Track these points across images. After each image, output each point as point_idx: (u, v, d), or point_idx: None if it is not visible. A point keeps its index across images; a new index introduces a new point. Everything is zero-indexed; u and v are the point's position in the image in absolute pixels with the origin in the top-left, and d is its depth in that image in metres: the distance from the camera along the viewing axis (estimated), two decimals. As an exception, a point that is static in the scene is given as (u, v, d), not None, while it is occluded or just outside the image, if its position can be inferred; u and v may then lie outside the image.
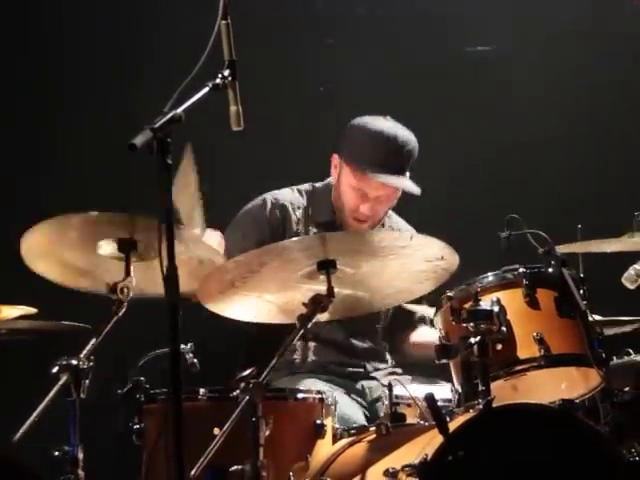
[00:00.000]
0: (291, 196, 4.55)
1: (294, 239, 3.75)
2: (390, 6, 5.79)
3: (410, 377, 4.26)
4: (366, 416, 4.22)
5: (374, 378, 4.41)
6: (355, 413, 4.14)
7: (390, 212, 4.61)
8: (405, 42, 5.73)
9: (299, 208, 4.53)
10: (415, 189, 4.40)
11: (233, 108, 3.03)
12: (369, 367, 4.47)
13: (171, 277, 2.83)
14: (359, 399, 4.31)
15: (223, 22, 3.00)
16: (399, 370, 4.46)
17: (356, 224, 4.45)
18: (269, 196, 4.54)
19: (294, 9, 5.67)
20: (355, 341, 4.47)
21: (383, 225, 4.58)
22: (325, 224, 4.51)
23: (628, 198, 5.19)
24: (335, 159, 4.50)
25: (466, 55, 5.85)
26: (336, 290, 3.40)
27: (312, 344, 4.39)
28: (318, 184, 4.63)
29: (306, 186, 4.63)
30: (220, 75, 2.98)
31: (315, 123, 5.57)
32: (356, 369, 4.42)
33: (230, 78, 3.00)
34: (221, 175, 5.37)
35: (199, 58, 2.95)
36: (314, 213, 4.53)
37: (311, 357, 4.38)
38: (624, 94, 5.72)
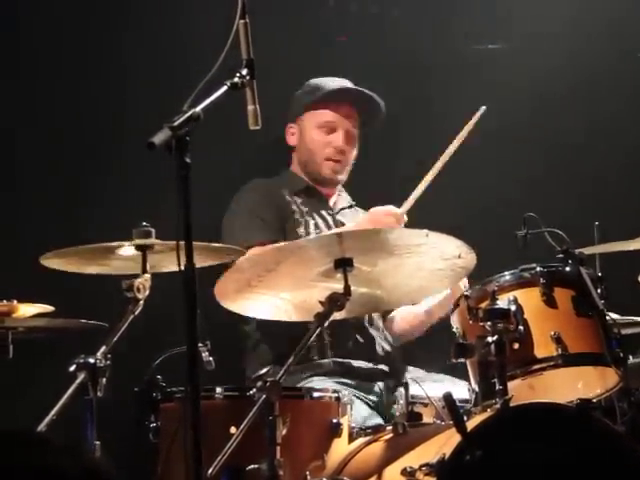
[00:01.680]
0: (269, 180, 4.68)
1: (310, 237, 3.75)
2: (398, 4, 5.78)
3: (423, 371, 4.25)
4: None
5: (390, 376, 4.38)
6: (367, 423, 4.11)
7: (344, 192, 4.76)
8: (412, 39, 5.72)
9: (279, 187, 4.63)
10: (376, 98, 4.63)
11: (251, 107, 3.03)
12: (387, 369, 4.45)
13: (188, 275, 2.83)
14: (376, 404, 4.28)
15: (241, 21, 3.00)
16: (411, 367, 4.44)
17: (331, 166, 4.62)
18: (252, 182, 4.64)
19: (306, 7, 5.66)
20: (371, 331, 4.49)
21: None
22: (302, 191, 4.63)
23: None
24: (291, 126, 4.69)
25: (475, 53, 5.84)
26: (353, 288, 3.40)
27: (328, 339, 4.38)
28: (286, 179, 4.72)
29: (277, 179, 4.74)
30: (238, 74, 2.98)
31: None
32: (374, 366, 4.41)
33: (248, 77, 2.99)
34: (239, 174, 5.38)
35: (218, 57, 2.95)
36: (289, 188, 4.63)
37: (330, 356, 4.36)
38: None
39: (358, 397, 4.20)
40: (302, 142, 4.67)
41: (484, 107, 4.30)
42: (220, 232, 4.50)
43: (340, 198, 4.75)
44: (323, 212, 4.63)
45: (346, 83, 4.69)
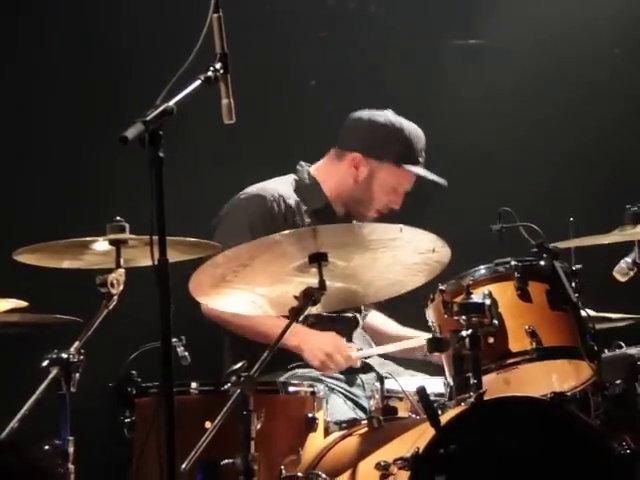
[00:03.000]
0: (282, 187, 4.57)
1: (285, 232, 3.75)
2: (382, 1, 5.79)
3: (403, 369, 4.27)
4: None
5: (371, 369, 4.39)
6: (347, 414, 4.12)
7: None
8: (399, 36, 5.73)
9: (290, 198, 4.55)
10: (444, 182, 4.62)
11: (225, 101, 3.02)
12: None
13: (162, 270, 2.82)
14: (356, 396, 4.29)
15: (215, 15, 2.99)
16: (388, 362, 4.46)
17: (375, 216, 4.60)
18: (264, 190, 4.54)
19: (284, 2, 5.66)
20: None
21: None
22: (319, 211, 4.56)
23: (620, 191, 5.21)
24: (359, 159, 4.57)
25: (458, 48, 5.85)
26: (328, 283, 3.40)
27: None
28: (296, 177, 4.65)
29: (286, 178, 4.65)
30: (212, 68, 2.97)
31: (307, 116, 5.57)
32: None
33: (222, 71, 2.98)
34: (209, 169, 5.37)
35: (191, 51, 2.94)
36: (305, 202, 4.56)
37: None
38: (617, 88, 5.73)
39: (336, 390, 4.21)
40: (366, 185, 4.57)
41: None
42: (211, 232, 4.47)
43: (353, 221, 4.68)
44: None
45: (423, 138, 4.58)
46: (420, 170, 4.56)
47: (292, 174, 4.67)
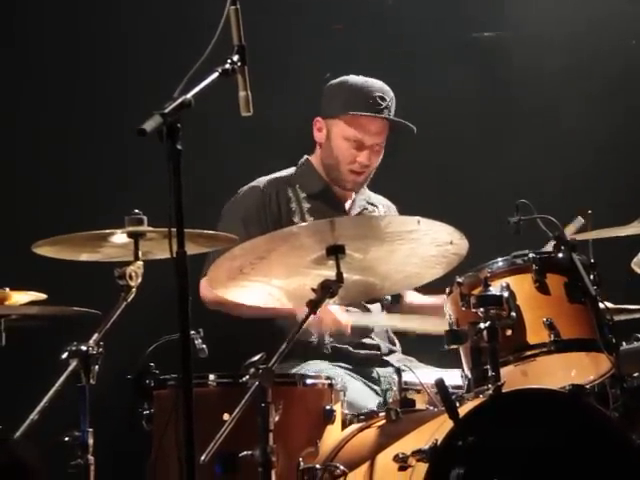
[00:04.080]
0: (279, 177, 4.62)
1: (302, 225, 3.76)
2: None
3: (423, 365, 4.27)
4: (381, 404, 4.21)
5: (388, 363, 4.39)
6: (366, 400, 4.13)
7: (364, 188, 4.71)
8: (411, 27, 5.71)
9: (286, 186, 4.58)
10: (410, 125, 4.55)
11: (242, 94, 3.02)
12: (383, 347, 4.47)
13: (181, 262, 2.83)
14: (374, 386, 4.30)
15: (232, 7, 2.99)
16: (410, 358, 4.46)
17: (353, 177, 4.56)
18: (258, 182, 4.60)
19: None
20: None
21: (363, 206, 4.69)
22: (318, 194, 4.58)
23: (639, 182, 5.20)
24: (319, 122, 4.61)
25: (474, 40, 5.83)
26: (345, 275, 3.40)
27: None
28: (293, 168, 4.68)
29: (287, 170, 4.68)
30: (229, 60, 2.97)
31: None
32: (371, 351, 4.42)
33: (239, 63, 2.98)
34: (227, 161, 5.38)
35: (208, 43, 2.94)
36: (303, 188, 4.58)
37: (328, 339, 4.37)
38: (636, 79, 5.70)
39: (354, 377, 4.21)
40: (328, 145, 4.58)
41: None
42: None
43: (356, 199, 4.67)
44: None
45: (383, 88, 4.56)
46: (366, 112, 4.49)
47: (295, 167, 4.70)
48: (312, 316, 4.03)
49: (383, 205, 4.74)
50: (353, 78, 4.59)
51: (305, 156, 4.71)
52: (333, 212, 4.53)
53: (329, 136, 4.57)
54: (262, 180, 4.62)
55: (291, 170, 4.69)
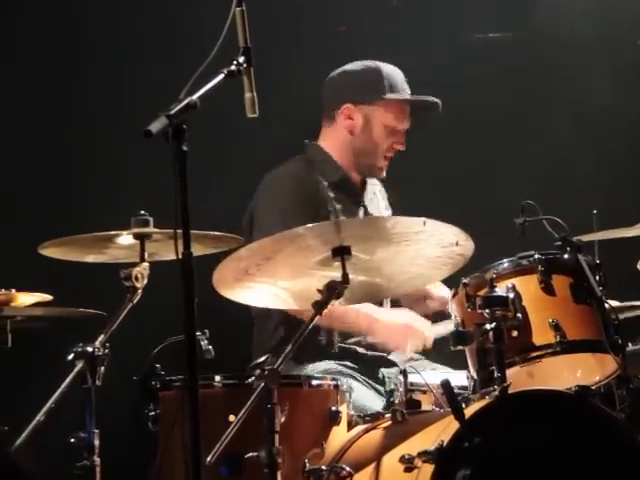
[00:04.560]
0: (301, 169, 4.54)
1: (308, 225, 3.75)
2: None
3: (428, 362, 4.27)
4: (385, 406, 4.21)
5: (393, 363, 4.39)
6: (370, 402, 4.13)
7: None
8: (418, 28, 5.72)
9: (312, 177, 4.51)
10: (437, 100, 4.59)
11: (248, 95, 3.02)
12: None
13: (186, 263, 2.83)
14: (378, 387, 4.30)
15: (238, 9, 3.00)
16: (416, 355, 4.45)
17: (385, 163, 4.56)
18: (291, 175, 4.50)
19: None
20: None
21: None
22: (337, 183, 4.53)
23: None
24: (349, 109, 4.54)
25: (478, 41, 5.84)
26: (351, 276, 3.39)
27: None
28: (307, 155, 4.60)
29: (297, 159, 4.60)
30: (235, 62, 2.97)
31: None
32: (378, 353, 4.42)
33: (245, 65, 2.99)
34: (233, 162, 5.38)
35: (214, 45, 2.94)
36: (323, 175, 4.53)
37: (337, 339, 4.38)
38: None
39: (359, 380, 4.21)
40: (365, 132, 4.53)
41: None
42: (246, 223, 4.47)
43: (367, 185, 4.67)
44: (355, 208, 4.56)
45: (397, 69, 4.58)
46: (408, 96, 4.52)
47: (301, 155, 4.61)
48: (390, 339, 4.20)
49: (379, 187, 4.74)
50: (372, 63, 4.57)
51: (311, 143, 4.63)
52: (353, 201, 4.54)
53: (367, 124, 4.53)
54: (291, 172, 4.52)
55: (300, 160, 4.59)
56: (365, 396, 4.13)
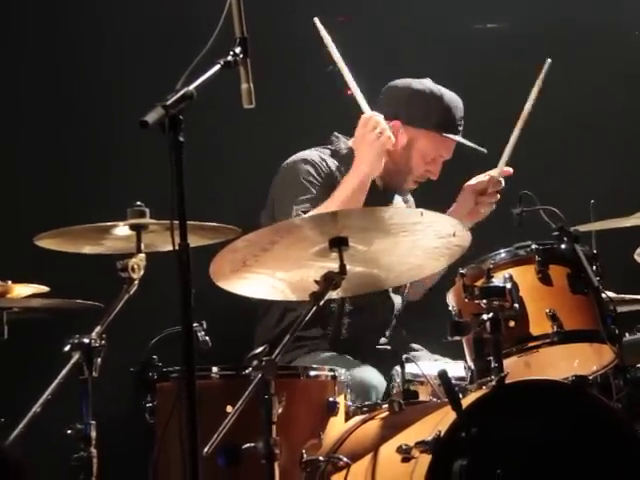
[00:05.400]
0: (321, 155, 4.51)
1: (305, 216, 3.74)
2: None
3: (426, 352, 4.27)
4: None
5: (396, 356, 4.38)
6: (375, 377, 4.12)
7: None
8: (415, 19, 5.71)
9: (331, 165, 4.49)
10: (483, 149, 4.59)
11: (244, 86, 3.01)
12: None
13: (183, 254, 2.82)
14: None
15: (234, -1, 2.99)
16: (417, 346, 4.45)
17: (413, 185, 4.59)
18: (309, 156, 4.48)
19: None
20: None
21: None
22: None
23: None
24: (397, 126, 4.50)
25: (475, 32, 5.83)
26: (349, 267, 3.39)
27: (346, 320, 4.39)
28: (332, 147, 4.58)
29: (320, 149, 4.57)
30: (231, 52, 2.96)
31: (322, 102, 5.55)
32: (385, 346, 4.42)
33: (241, 55, 2.98)
34: (229, 153, 5.37)
35: (211, 35, 2.93)
36: (345, 168, 4.47)
37: (343, 333, 4.37)
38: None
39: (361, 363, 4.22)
40: (404, 154, 4.50)
41: (549, 60, 4.34)
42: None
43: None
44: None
45: (461, 103, 4.55)
46: (460, 137, 4.51)
47: (327, 146, 4.59)
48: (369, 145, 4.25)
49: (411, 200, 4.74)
50: (439, 89, 4.52)
51: (340, 137, 4.59)
52: (373, 201, 4.46)
53: (409, 146, 4.51)
54: (310, 155, 4.49)
55: (323, 150, 4.56)
56: (368, 372, 4.13)
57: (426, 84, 4.55)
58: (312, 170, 4.43)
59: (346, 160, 4.49)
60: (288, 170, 4.48)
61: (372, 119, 4.35)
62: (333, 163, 4.50)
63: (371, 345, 4.43)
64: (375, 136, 4.33)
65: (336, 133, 4.63)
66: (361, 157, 4.34)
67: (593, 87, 5.63)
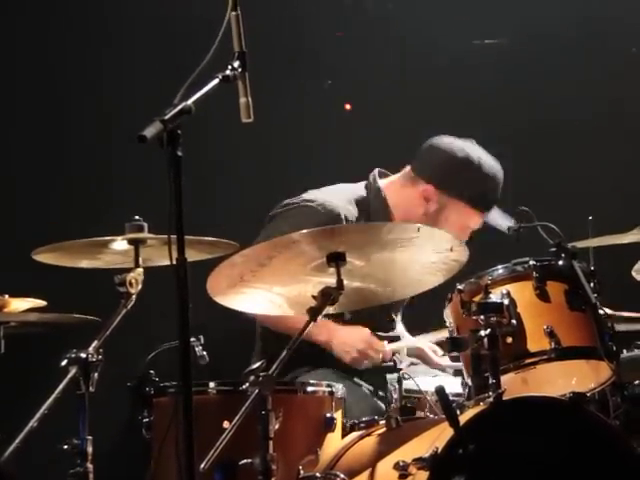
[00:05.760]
0: (344, 207, 4.42)
1: (303, 231, 3.74)
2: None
3: (425, 368, 4.26)
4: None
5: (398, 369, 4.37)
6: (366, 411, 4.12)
7: None
8: (413, 35, 5.72)
9: (352, 222, 4.40)
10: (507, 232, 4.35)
11: (243, 100, 3.01)
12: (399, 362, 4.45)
13: (181, 269, 2.82)
14: (380, 393, 4.28)
15: (233, 13, 2.99)
16: (416, 360, 4.44)
17: None
18: (324, 207, 4.38)
19: (301, 1, 5.66)
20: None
21: None
22: None
23: (639, 190, 5.20)
24: (430, 191, 4.46)
25: (473, 48, 5.84)
26: (346, 282, 3.39)
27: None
28: (362, 190, 4.52)
29: (352, 192, 4.51)
30: (230, 66, 2.97)
31: (322, 116, 5.57)
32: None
33: (240, 70, 2.98)
34: (227, 168, 5.38)
35: (209, 49, 2.94)
36: (368, 221, 4.44)
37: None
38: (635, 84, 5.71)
39: (356, 383, 4.20)
40: (433, 219, 4.43)
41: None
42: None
43: None
44: None
45: (501, 180, 4.46)
46: (492, 217, 4.42)
47: (361, 184, 4.54)
48: (345, 352, 4.18)
49: None
50: (484, 162, 4.43)
51: (377, 179, 4.53)
52: None
53: (440, 211, 4.46)
54: (328, 205, 4.38)
55: (355, 190, 4.50)
56: (361, 402, 4.12)
57: (467, 150, 4.45)
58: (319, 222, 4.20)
59: (374, 213, 4.43)
60: (300, 209, 4.39)
61: (385, 351, 4.22)
62: (353, 215, 4.42)
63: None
64: (366, 356, 4.21)
65: (376, 173, 4.54)
66: (340, 342, 4.23)
67: (595, 105, 5.64)
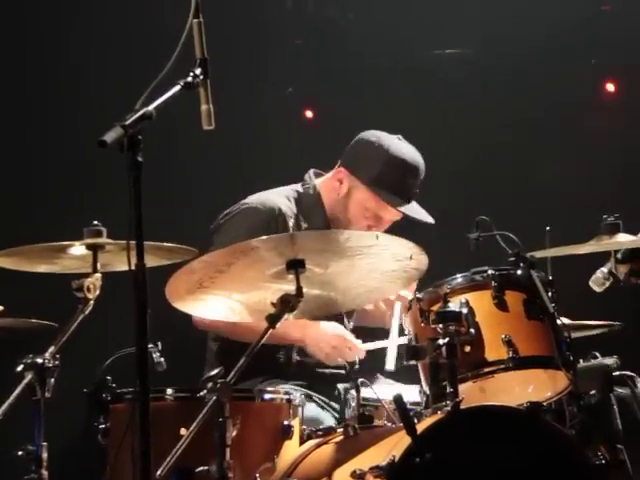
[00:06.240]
0: (283, 203, 4.46)
1: (262, 238, 3.74)
2: (359, 9, 5.80)
3: (387, 379, 4.26)
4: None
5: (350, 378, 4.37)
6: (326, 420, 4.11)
7: None
8: (373, 44, 5.74)
9: (291, 217, 4.45)
10: (430, 219, 4.45)
11: (204, 107, 3.00)
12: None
13: (139, 275, 2.81)
14: (334, 404, 4.27)
15: (195, 20, 2.98)
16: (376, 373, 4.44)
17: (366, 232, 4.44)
18: (263, 205, 4.42)
19: (263, 9, 5.66)
20: None
21: None
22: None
23: (596, 201, 5.24)
24: (342, 173, 4.48)
25: (434, 58, 5.87)
26: (305, 290, 3.39)
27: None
28: (299, 187, 4.57)
29: (289, 190, 4.55)
30: (192, 73, 2.96)
31: (283, 124, 5.57)
32: (337, 370, 4.41)
33: (202, 77, 2.97)
34: (188, 174, 5.36)
35: (170, 56, 2.93)
36: (305, 221, 4.48)
37: (295, 357, 4.36)
38: (592, 97, 5.76)
39: (311, 397, 4.20)
40: (344, 201, 4.45)
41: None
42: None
43: None
44: None
45: (419, 168, 4.41)
46: (403, 207, 4.40)
47: (298, 184, 4.56)
48: (319, 348, 4.16)
49: None
50: (395, 147, 4.40)
51: (312, 178, 4.56)
52: None
53: (349, 195, 4.47)
54: (267, 203, 4.41)
55: (291, 191, 4.52)
56: (319, 414, 4.11)
57: (384, 139, 4.44)
58: (262, 224, 4.29)
59: (310, 210, 4.46)
60: (238, 216, 4.40)
61: (355, 346, 4.21)
62: (292, 211, 4.45)
63: (325, 368, 4.41)
64: (340, 352, 4.21)
65: (311, 173, 4.59)
66: (313, 338, 4.23)
67: (552, 115, 5.69)
